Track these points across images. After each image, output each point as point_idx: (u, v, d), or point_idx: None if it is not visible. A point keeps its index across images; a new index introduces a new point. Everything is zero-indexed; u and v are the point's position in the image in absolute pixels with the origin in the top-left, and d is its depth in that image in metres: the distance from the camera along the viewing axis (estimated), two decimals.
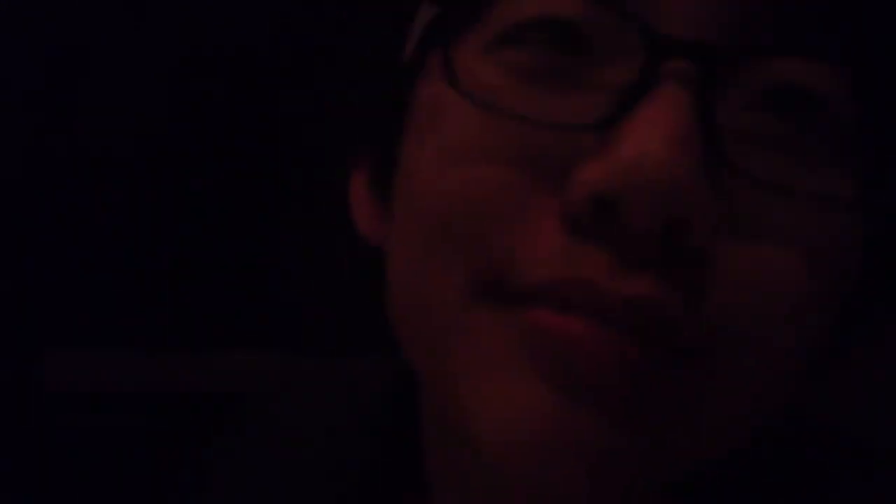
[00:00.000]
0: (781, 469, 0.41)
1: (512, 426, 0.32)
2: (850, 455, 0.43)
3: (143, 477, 1.09)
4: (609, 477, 0.32)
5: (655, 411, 0.32)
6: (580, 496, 0.32)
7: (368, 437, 0.48)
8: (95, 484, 1.10)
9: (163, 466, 1.04)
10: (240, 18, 1.06)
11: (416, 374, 0.39)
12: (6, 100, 1.05)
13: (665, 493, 0.36)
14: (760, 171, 0.31)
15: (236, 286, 1.09)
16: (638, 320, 0.31)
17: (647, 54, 0.31)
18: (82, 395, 1.12)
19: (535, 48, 0.32)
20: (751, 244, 0.31)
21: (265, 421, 0.51)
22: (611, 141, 0.30)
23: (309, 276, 1.08)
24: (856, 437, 0.44)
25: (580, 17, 0.32)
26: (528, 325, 0.32)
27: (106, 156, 1.09)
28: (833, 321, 0.34)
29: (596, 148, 0.31)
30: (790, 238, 0.32)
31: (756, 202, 0.31)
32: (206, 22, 1.06)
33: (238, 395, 0.55)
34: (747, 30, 0.31)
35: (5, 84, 1.05)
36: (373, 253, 0.40)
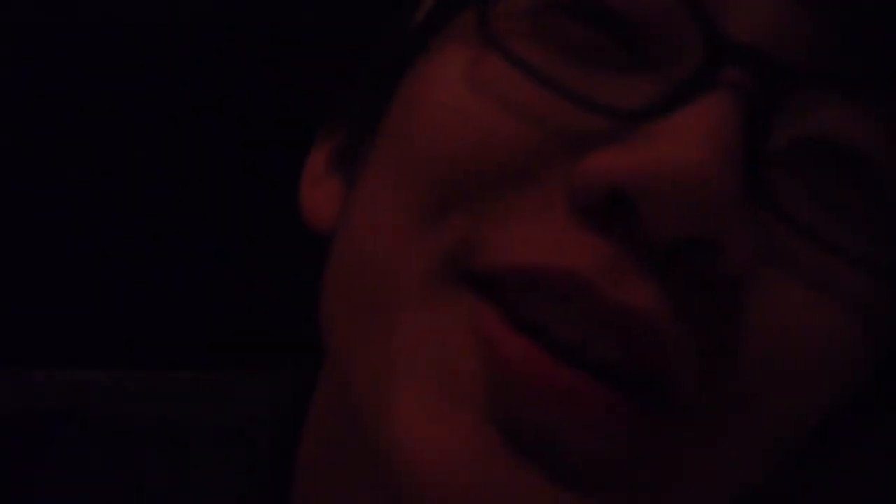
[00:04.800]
0: None
1: (432, 456, 0.27)
2: None
3: None
4: None
5: (624, 478, 0.28)
6: None
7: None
8: None
9: None
10: None
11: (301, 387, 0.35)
12: None
13: None
14: (802, 214, 0.28)
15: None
16: (628, 344, 0.27)
17: (706, 55, 0.28)
18: None
19: (583, 25, 0.29)
20: (781, 289, 0.28)
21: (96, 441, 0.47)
22: (646, 133, 0.27)
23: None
24: None
25: (641, 5, 0.29)
26: (475, 326, 0.28)
27: None
28: (848, 394, 0.31)
29: (626, 136, 0.27)
30: (821, 292, 0.29)
31: (791, 244, 0.28)
32: None
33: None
34: (820, 56, 0.28)
35: None
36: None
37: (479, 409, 0.27)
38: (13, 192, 0.99)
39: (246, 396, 0.48)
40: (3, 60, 0.96)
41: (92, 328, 0.96)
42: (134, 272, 0.98)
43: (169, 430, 0.46)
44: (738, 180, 0.26)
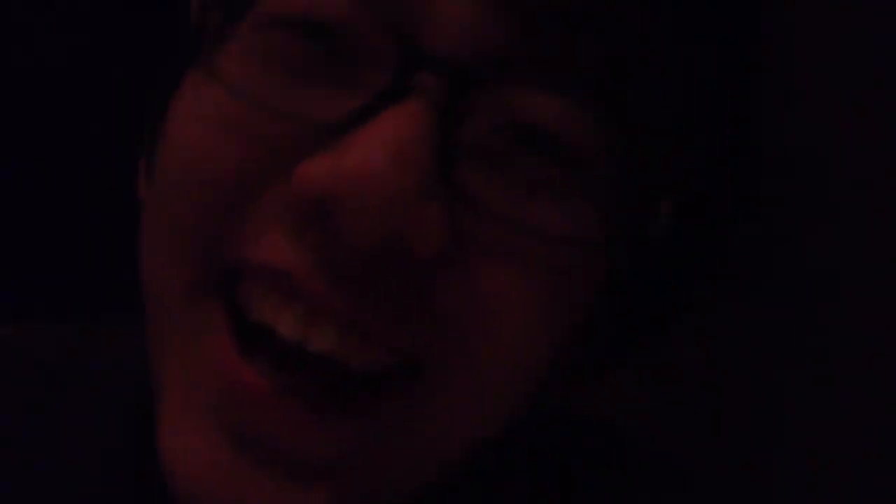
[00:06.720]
0: (535, 467, 0.43)
1: (183, 468, 0.33)
2: (608, 451, 0.46)
3: None
4: None
5: (341, 458, 0.33)
6: None
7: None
8: None
9: None
10: None
11: None
12: None
13: None
14: (493, 198, 0.32)
15: None
16: (343, 333, 0.31)
17: (399, 65, 0.31)
18: None
19: (297, 41, 0.33)
20: (475, 269, 0.32)
21: None
22: (342, 144, 0.31)
23: None
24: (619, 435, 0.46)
25: (344, 18, 0.32)
26: (215, 353, 0.32)
27: None
28: (571, 341, 0.36)
29: (330, 146, 0.31)
30: (516, 267, 0.33)
31: (489, 226, 0.32)
32: None
33: None
34: (507, 57, 0.32)
35: None
36: None
37: (218, 425, 0.32)
38: None
39: (123, 347, 0.49)
40: None
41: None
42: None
43: (41, 379, 0.48)
44: (421, 179, 0.30)
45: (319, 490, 0.33)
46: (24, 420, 0.46)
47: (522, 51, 0.32)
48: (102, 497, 0.43)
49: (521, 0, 0.31)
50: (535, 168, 0.33)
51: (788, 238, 0.78)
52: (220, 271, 0.33)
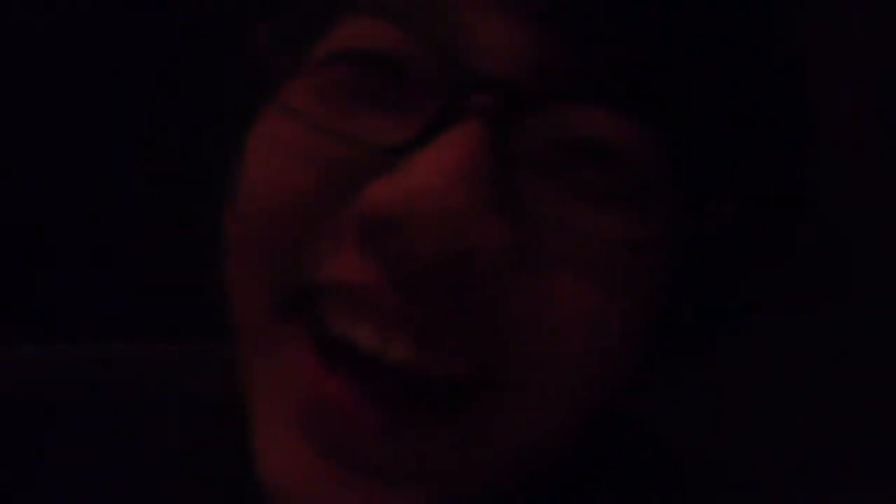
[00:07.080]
0: (602, 475, 0.43)
1: (276, 474, 0.34)
2: (663, 457, 0.46)
3: None
4: None
5: (421, 463, 0.34)
6: None
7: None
8: None
9: None
10: None
11: None
12: None
13: None
14: (553, 208, 0.33)
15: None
16: (417, 343, 0.32)
17: (453, 87, 0.32)
18: None
19: (358, 73, 0.34)
20: (541, 278, 0.33)
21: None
22: (404, 166, 0.32)
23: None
24: (671, 439, 0.47)
25: (400, 49, 0.33)
26: (301, 369, 0.34)
27: None
28: (636, 347, 0.36)
29: (394, 168, 0.32)
30: (580, 273, 0.33)
31: (548, 238, 0.33)
32: None
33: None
34: (556, 74, 0.32)
35: None
36: None
37: (306, 434, 0.34)
38: None
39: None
40: None
41: (80, 303, 0.99)
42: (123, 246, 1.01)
43: (170, 402, 0.48)
44: (480, 196, 0.31)
45: (409, 492, 0.34)
46: (120, 434, 0.48)
47: (568, 66, 0.32)
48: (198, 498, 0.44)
49: (561, 18, 0.32)
50: (591, 177, 0.33)
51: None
52: (300, 289, 0.34)
